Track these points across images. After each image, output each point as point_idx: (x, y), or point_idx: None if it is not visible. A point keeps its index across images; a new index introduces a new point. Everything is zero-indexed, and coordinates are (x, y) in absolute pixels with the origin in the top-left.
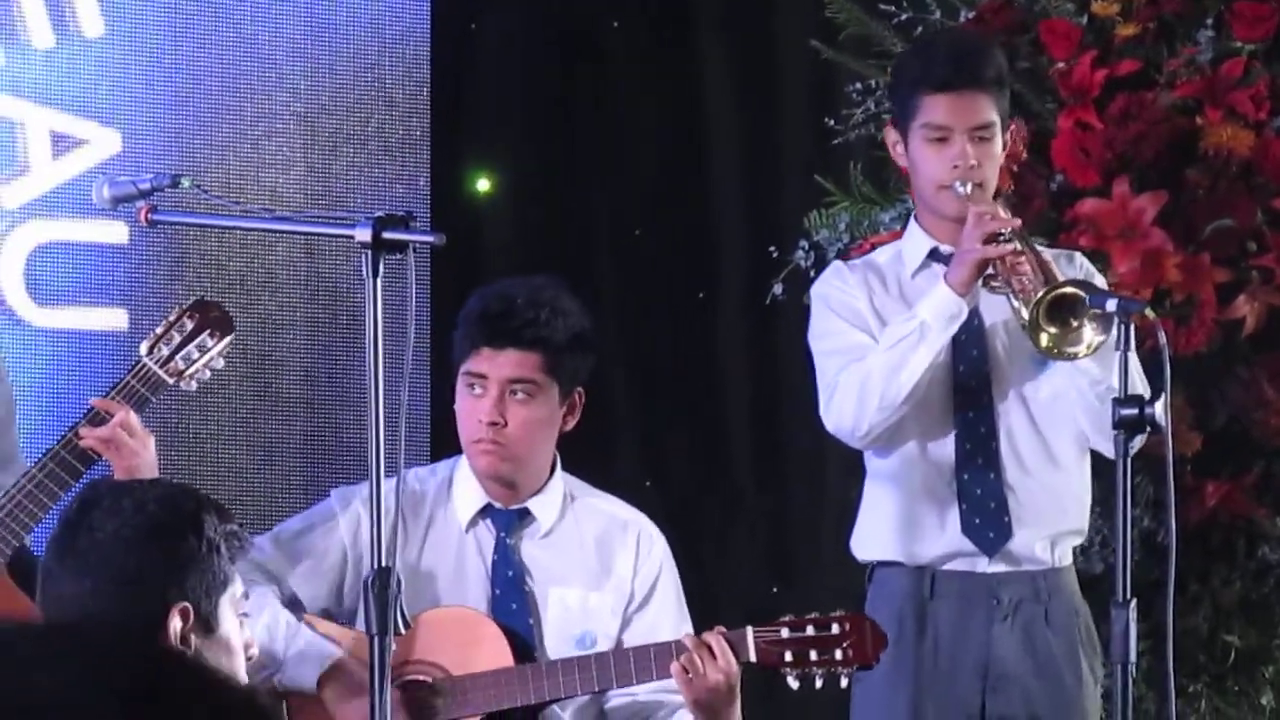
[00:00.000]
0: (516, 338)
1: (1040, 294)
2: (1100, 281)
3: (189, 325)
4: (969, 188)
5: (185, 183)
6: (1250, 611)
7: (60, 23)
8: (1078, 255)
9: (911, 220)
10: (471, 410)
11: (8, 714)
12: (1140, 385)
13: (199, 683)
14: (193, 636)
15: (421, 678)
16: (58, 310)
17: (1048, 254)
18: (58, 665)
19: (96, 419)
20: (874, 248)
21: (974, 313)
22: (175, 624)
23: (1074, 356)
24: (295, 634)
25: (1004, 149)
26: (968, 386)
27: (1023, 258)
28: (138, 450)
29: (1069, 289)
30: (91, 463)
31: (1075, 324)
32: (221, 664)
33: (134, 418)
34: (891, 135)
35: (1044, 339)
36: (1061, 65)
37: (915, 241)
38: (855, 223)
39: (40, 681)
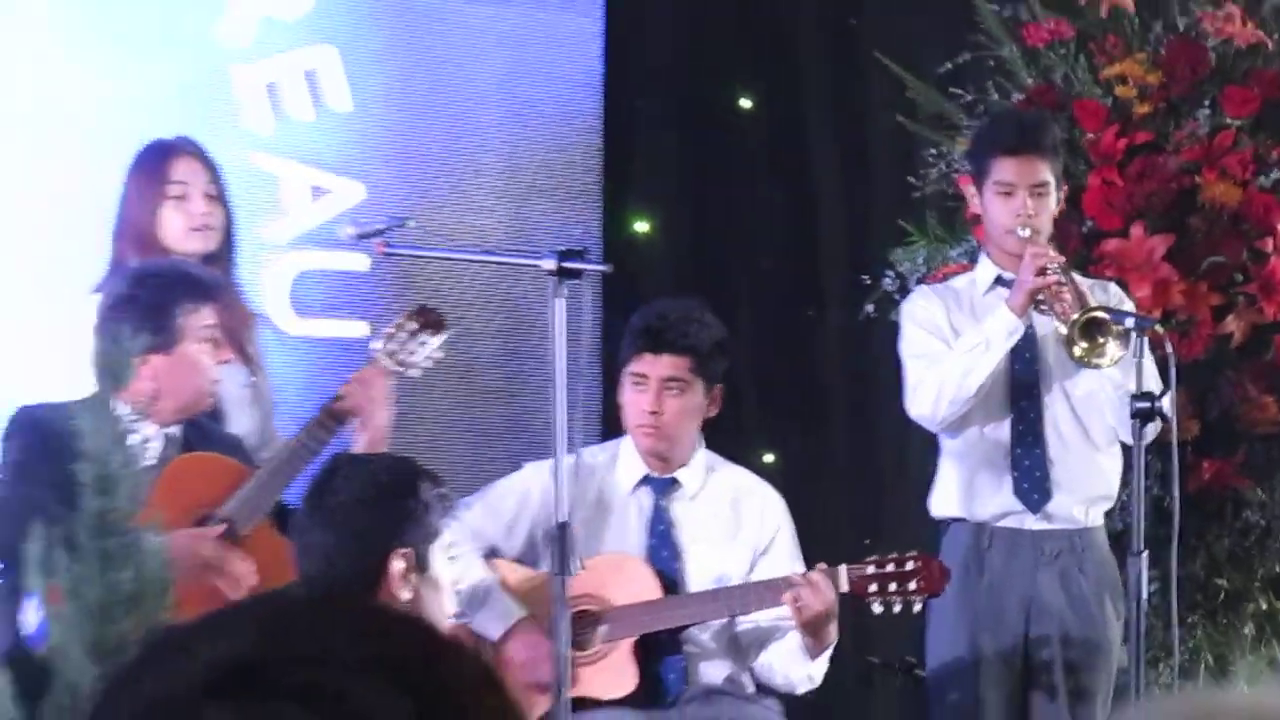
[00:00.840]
0: (671, 345)
1: (1075, 316)
2: (1129, 305)
3: (412, 325)
4: (1028, 232)
5: (411, 224)
6: (1236, 561)
7: (318, 101)
8: (1112, 285)
9: (982, 253)
10: (636, 402)
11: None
12: (1156, 383)
13: (460, 654)
14: (411, 575)
15: (591, 607)
16: (313, 321)
17: (1085, 284)
18: (346, 637)
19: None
20: (945, 276)
21: (1029, 325)
22: (398, 565)
23: (1099, 366)
24: (488, 593)
25: (1057, 204)
26: (1022, 382)
27: (1065, 288)
28: (379, 408)
29: (1098, 314)
30: (343, 423)
31: (1102, 341)
32: (430, 596)
33: (379, 385)
34: (969, 189)
35: (1077, 351)
36: (1091, 136)
37: (985, 269)
38: (930, 257)
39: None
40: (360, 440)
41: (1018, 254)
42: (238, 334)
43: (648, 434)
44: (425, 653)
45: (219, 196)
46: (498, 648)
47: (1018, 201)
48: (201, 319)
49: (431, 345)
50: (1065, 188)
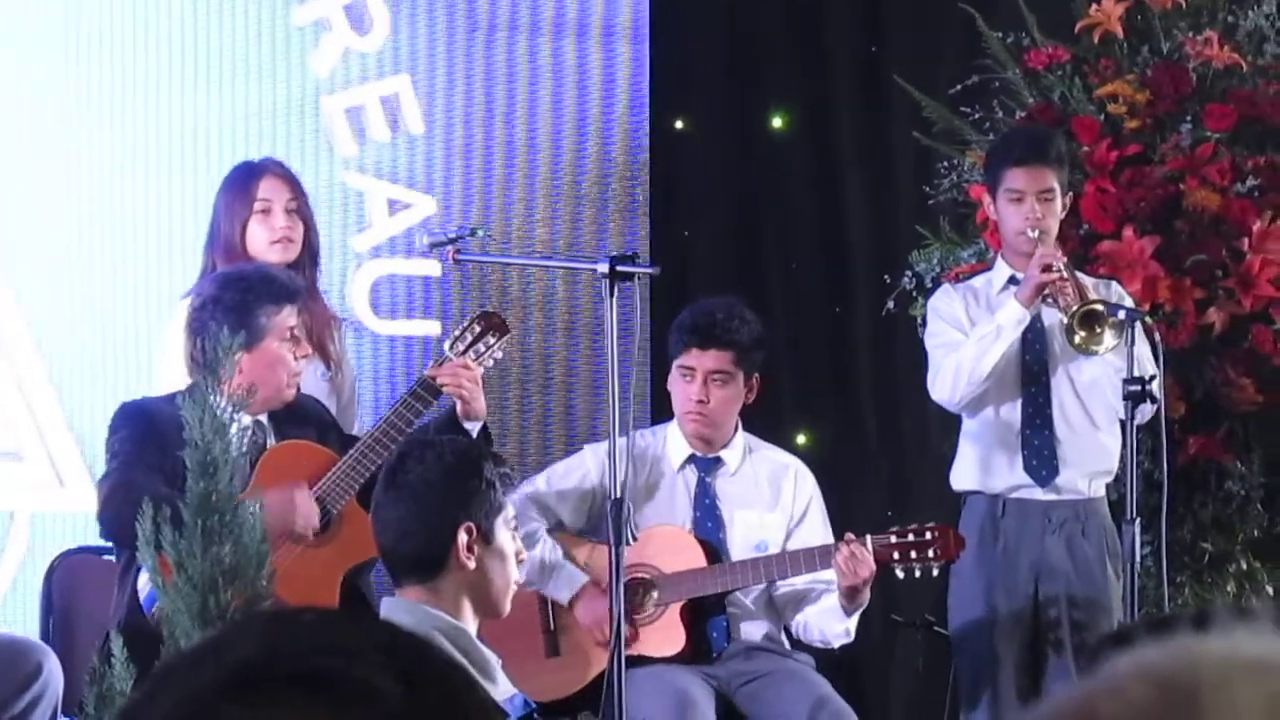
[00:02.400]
0: (717, 341)
1: (1075, 308)
2: (1128, 301)
3: (477, 329)
4: (1036, 233)
5: (480, 233)
6: (1219, 527)
7: (394, 124)
8: (1114, 283)
9: (998, 257)
10: (684, 392)
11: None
12: (1152, 368)
13: (452, 673)
14: (475, 547)
15: (644, 575)
16: (391, 321)
17: (1088, 281)
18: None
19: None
20: (958, 276)
21: (1038, 318)
22: (462, 537)
23: (1096, 352)
24: (555, 565)
25: (1064, 209)
26: (1031, 369)
27: (1067, 283)
28: (479, 390)
29: (1095, 306)
30: (434, 400)
31: (1099, 330)
32: (495, 566)
33: (475, 372)
34: (986, 198)
35: (1076, 339)
36: (1086, 148)
37: (999, 271)
38: (944, 258)
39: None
40: (462, 405)
41: (1028, 254)
42: (318, 332)
43: (695, 420)
44: (411, 644)
45: (299, 211)
46: (568, 609)
47: (1027, 207)
48: (283, 319)
49: (495, 346)
50: (1070, 195)
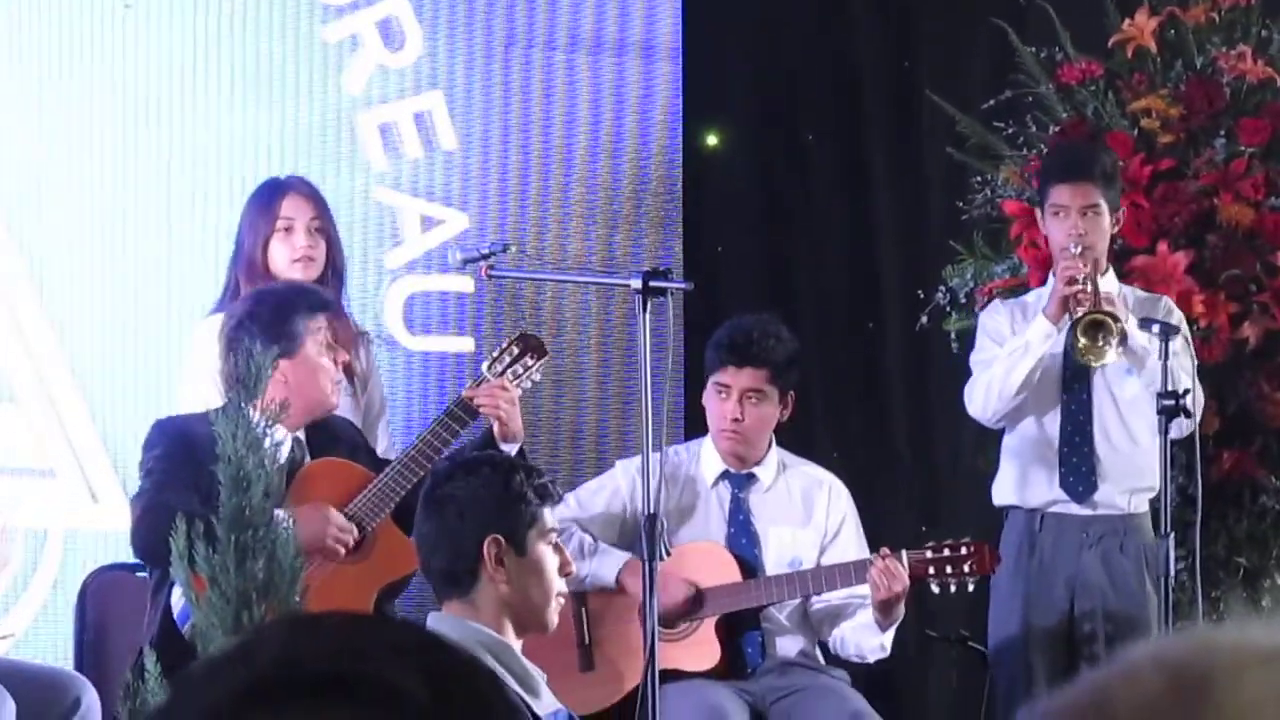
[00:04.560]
0: (752, 359)
1: (1079, 315)
2: (1177, 315)
3: (515, 350)
4: (1079, 248)
5: (513, 249)
6: (1254, 542)
7: (426, 140)
8: (1164, 298)
9: (1051, 273)
10: (719, 409)
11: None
12: (1188, 382)
13: (479, 676)
14: (505, 559)
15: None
16: (424, 338)
17: (1131, 296)
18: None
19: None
20: (990, 292)
21: None
22: (490, 549)
23: (1093, 364)
24: (596, 549)
25: (1115, 224)
26: (1071, 385)
27: (1087, 295)
28: (516, 411)
29: (1099, 315)
30: (470, 421)
31: (1101, 343)
32: (528, 579)
33: (513, 393)
34: (1037, 213)
35: (1080, 345)
36: (1120, 163)
37: (1051, 286)
38: (977, 273)
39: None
40: (498, 426)
41: None
42: (344, 348)
43: (729, 437)
44: (437, 646)
45: (322, 229)
46: (620, 584)
47: (1069, 222)
48: (319, 325)
49: (533, 368)
50: (1121, 211)
